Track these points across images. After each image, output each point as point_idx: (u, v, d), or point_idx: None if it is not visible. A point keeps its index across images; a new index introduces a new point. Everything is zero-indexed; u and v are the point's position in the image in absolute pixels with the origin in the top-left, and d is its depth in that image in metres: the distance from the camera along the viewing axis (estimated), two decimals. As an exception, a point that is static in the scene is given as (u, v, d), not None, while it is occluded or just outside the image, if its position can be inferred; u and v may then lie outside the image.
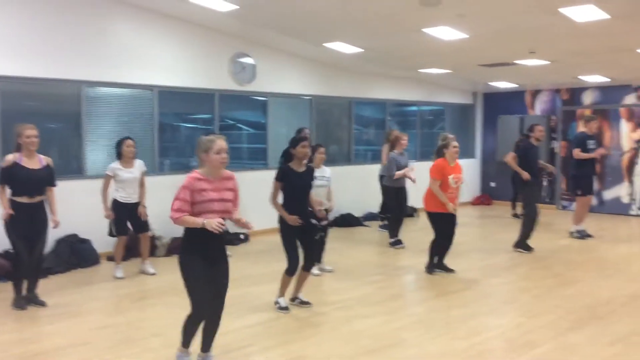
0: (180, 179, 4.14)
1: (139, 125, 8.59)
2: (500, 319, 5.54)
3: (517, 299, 6.18)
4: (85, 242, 7.81)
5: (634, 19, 7.26)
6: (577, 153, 9.29)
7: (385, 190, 9.20)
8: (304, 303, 5.83)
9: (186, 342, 4.24)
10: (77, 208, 7.76)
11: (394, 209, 9.00)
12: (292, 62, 10.49)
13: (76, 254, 7.60)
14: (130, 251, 7.96)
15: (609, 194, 12.47)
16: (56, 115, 8.01)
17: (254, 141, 10.29)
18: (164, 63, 8.75)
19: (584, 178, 9.47)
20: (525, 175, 8.19)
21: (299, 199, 5.57)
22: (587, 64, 10.47)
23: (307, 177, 5.68)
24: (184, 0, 7.68)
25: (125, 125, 8.44)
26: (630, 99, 12.24)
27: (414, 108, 13.18)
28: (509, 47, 9.32)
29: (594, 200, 10.14)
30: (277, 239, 9.84)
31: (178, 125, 9.48)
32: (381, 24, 8.21)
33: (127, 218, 7.09)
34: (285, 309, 5.71)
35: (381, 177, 9.75)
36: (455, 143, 6.98)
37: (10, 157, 5.70)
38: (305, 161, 5.65)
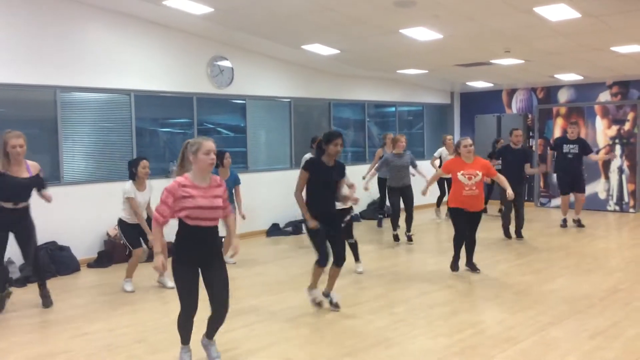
0: (159, 183, 4.12)
1: (116, 130, 8.52)
2: (482, 315, 5.59)
3: (499, 296, 6.23)
4: (65, 249, 7.72)
5: (604, 18, 7.38)
6: (549, 154, 10.15)
7: (390, 190, 9.36)
8: (334, 305, 5.76)
9: (184, 338, 4.29)
10: (55, 215, 7.67)
11: (395, 206, 9.28)
12: (270, 65, 10.48)
13: (55, 261, 7.50)
14: (112, 259, 7.99)
15: (586, 190, 12.61)
16: (31, 121, 7.87)
17: (233, 144, 10.22)
18: (140, 67, 8.68)
19: (561, 176, 10.35)
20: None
21: (322, 194, 5.48)
22: (561, 63, 10.61)
23: (336, 172, 5.55)
24: (159, 4, 7.63)
25: (102, 130, 8.38)
26: (604, 96, 12.44)
27: (392, 109, 13.25)
28: (485, 46, 9.40)
29: (572, 197, 10.51)
30: (262, 242, 9.74)
31: (156, 130, 9.39)
32: (358, 26, 8.24)
33: (137, 234, 6.76)
34: (315, 302, 5.72)
35: (382, 181, 10.29)
36: (467, 142, 7.05)
37: None
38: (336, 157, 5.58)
